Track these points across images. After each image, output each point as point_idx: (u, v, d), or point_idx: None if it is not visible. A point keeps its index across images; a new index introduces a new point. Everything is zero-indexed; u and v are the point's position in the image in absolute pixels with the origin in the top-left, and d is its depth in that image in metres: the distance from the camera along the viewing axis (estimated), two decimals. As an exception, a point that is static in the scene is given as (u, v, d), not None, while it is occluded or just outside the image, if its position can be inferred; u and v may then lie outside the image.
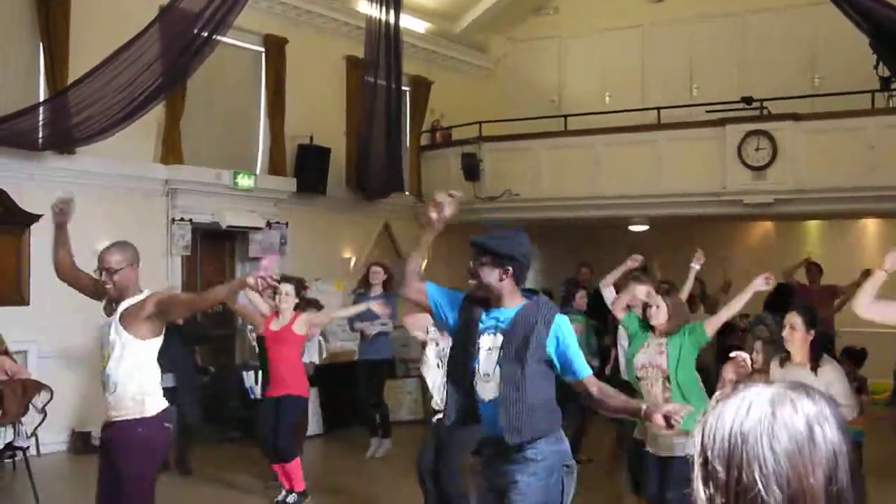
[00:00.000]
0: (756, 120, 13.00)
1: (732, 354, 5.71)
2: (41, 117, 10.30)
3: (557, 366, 4.39)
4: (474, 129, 14.98)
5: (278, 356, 8.19)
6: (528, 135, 14.77)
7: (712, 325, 6.19)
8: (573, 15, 17.05)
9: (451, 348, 4.66)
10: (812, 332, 5.96)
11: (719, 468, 1.30)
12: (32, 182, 10.58)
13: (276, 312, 8.27)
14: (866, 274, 10.96)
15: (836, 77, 13.74)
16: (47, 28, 10.59)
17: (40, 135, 10.30)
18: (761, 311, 8.65)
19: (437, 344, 6.82)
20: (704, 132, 13.30)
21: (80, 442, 10.69)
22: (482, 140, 14.85)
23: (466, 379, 4.44)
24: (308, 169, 13.54)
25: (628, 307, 6.66)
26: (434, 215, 4.52)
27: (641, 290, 6.63)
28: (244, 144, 13.46)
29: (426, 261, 5.08)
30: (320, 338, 10.29)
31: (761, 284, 6.22)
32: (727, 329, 10.46)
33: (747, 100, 13.15)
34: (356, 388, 10.89)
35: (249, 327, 11.27)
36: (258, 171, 13.23)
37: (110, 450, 5.30)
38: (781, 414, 1.29)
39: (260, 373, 11.57)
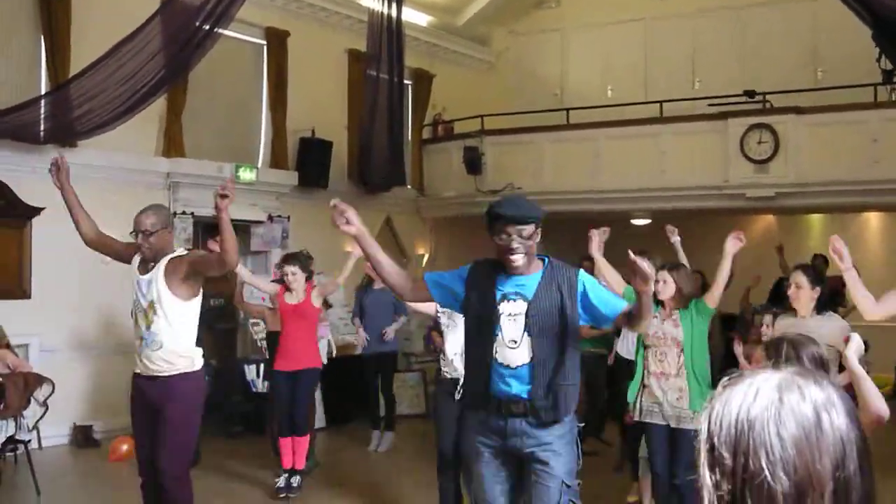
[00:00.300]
0: (758, 113, 12.98)
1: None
2: (43, 110, 10.30)
3: (591, 319, 4.41)
4: (476, 122, 14.98)
5: (297, 330, 8.33)
6: (531, 128, 14.76)
7: (712, 297, 6.23)
8: (575, 8, 17.05)
9: (468, 319, 4.55)
10: (818, 288, 6.01)
11: (726, 454, 1.29)
12: (34, 175, 10.55)
13: (285, 287, 8.40)
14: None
15: (838, 70, 13.72)
16: (49, 21, 10.59)
17: (42, 128, 10.30)
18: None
19: (444, 314, 6.64)
20: (706, 126, 13.28)
21: (81, 435, 10.71)
22: (484, 133, 14.85)
23: (487, 348, 4.36)
24: (310, 162, 13.54)
25: (627, 282, 6.69)
26: (343, 226, 4.44)
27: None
28: (246, 138, 13.46)
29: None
30: (329, 338, 10.32)
31: (734, 246, 6.20)
32: (733, 323, 10.49)
33: (750, 93, 13.13)
34: (362, 381, 10.90)
35: (252, 321, 11.31)
36: (260, 165, 13.23)
37: (157, 402, 5.57)
38: (789, 400, 1.28)
39: (262, 366, 11.67)
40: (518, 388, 4.32)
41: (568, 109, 14.87)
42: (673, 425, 6.16)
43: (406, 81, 14.98)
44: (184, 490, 5.71)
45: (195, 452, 9.49)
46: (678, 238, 7.70)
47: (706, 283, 10.50)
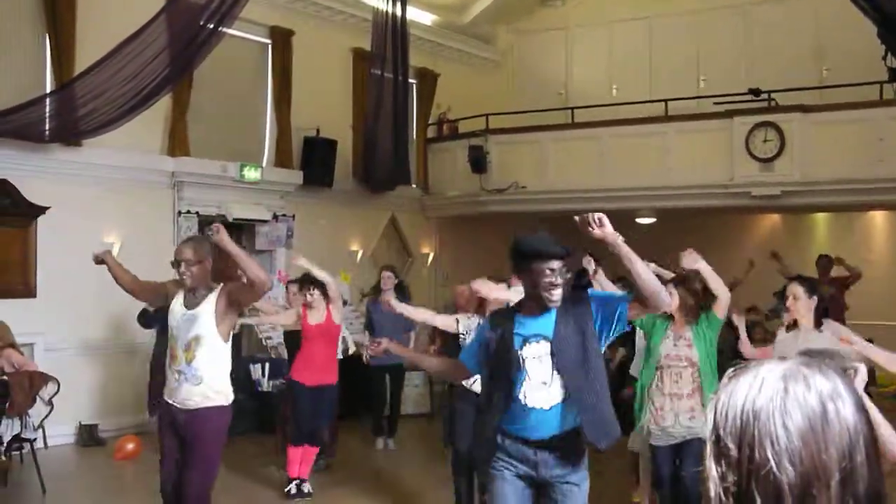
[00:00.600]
0: (764, 111, 12.95)
1: None
2: (47, 109, 10.31)
3: (617, 329, 4.44)
4: (481, 121, 14.97)
5: (320, 347, 8.55)
6: (535, 127, 14.74)
7: (719, 308, 6.27)
8: (580, 7, 17.03)
9: (488, 368, 4.58)
10: (814, 298, 6.07)
11: (731, 445, 1.28)
12: (39, 174, 10.60)
13: (305, 305, 8.60)
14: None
15: (844, 68, 13.68)
16: (53, 20, 10.60)
17: (47, 127, 10.31)
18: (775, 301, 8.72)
19: (466, 333, 6.85)
20: (712, 124, 13.25)
21: (86, 434, 10.72)
22: (489, 132, 14.85)
23: (509, 392, 4.39)
24: (314, 161, 13.53)
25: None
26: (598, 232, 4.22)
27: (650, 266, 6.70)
28: (250, 137, 13.46)
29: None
30: (346, 334, 10.37)
31: (690, 261, 6.25)
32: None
33: (755, 91, 13.09)
34: (369, 386, 10.93)
35: (255, 321, 11.30)
36: (264, 164, 13.23)
37: (187, 431, 5.70)
38: (794, 391, 1.27)
39: (268, 364, 11.68)
40: (551, 425, 4.38)
41: (573, 108, 14.86)
42: (679, 441, 6.21)
43: (410, 80, 14.97)
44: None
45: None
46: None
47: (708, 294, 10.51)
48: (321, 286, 8.54)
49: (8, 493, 8.35)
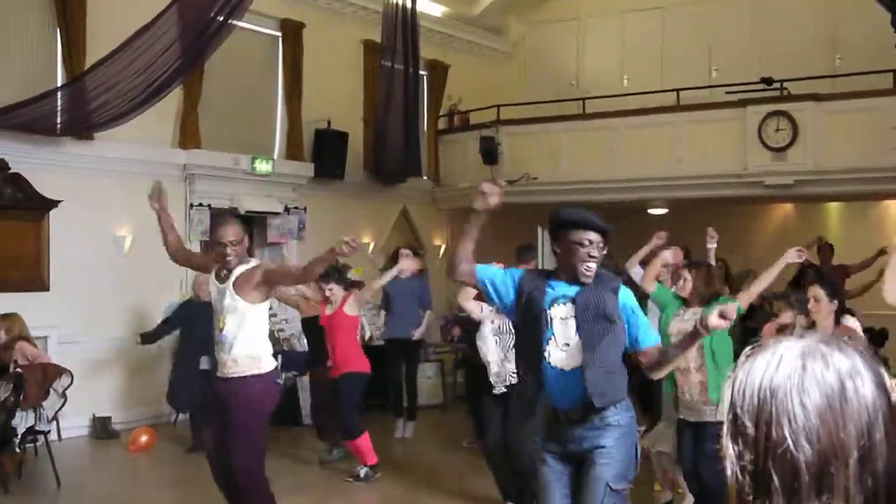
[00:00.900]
0: (776, 101, 12.88)
1: None
2: (59, 103, 10.33)
3: (628, 334, 4.52)
4: (492, 112, 14.93)
5: (335, 339, 8.71)
6: (547, 118, 14.71)
7: (745, 298, 6.43)
8: (591, -3, 16.98)
9: (519, 322, 4.66)
10: (835, 302, 6.23)
11: (748, 424, 1.26)
12: (51, 168, 10.62)
13: (326, 299, 8.79)
14: (881, 253, 10.94)
15: (856, 57, 13.60)
16: (64, 13, 10.61)
17: (58, 120, 10.34)
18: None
19: (493, 321, 6.97)
20: (724, 113, 13.19)
21: (100, 426, 10.75)
22: (500, 124, 14.81)
23: (538, 350, 4.47)
24: (325, 154, 13.53)
25: (657, 280, 6.79)
26: (480, 205, 4.51)
27: (667, 253, 6.77)
28: (261, 129, 13.46)
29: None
30: (364, 322, 10.45)
31: (794, 257, 6.46)
32: (750, 313, 10.42)
33: (767, 80, 13.02)
34: (381, 370, 10.93)
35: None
36: (276, 156, 13.24)
37: (225, 402, 5.99)
38: (812, 368, 1.26)
39: (280, 356, 11.68)
40: (573, 395, 4.45)
41: (584, 99, 14.80)
42: (692, 420, 6.25)
43: (421, 72, 14.96)
44: (258, 487, 6.09)
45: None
46: (714, 246, 7.69)
47: (728, 272, 10.50)
48: (342, 282, 8.76)
49: (22, 485, 8.37)
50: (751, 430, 1.26)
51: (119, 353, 11.21)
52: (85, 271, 10.76)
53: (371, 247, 14.46)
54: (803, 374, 1.25)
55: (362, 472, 8.66)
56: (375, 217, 14.71)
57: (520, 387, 4.91)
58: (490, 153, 14.48)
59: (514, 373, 6.24)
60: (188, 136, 11.95)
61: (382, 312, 10.84)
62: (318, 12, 13.89)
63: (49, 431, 8.59)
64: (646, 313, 8.23)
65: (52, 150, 10.59)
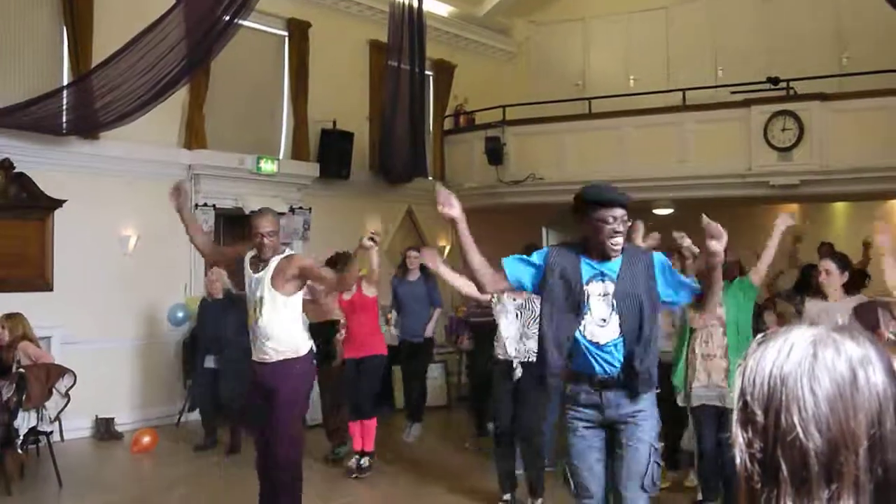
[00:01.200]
0: (782, 100, 12.84)
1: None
2: (64, 102, 10.32)
3: (671, 295, 4.67)
4: (498, 112, 14.92)
5: (358, 322, 8.96)
6: (552, 118, 14.67)
7: (757, 275, 6.61)
8: (596, -3, 16.96)
9: (551, 300, 4.70)
10: (846, 273, 6.48)
11: (758, 411, 1.25)
12: (56, 167, 10.61)
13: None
14: (866, 244, 10.95)
15: (863, 56, 13.56)
16: (70, 11, 10.61)
17: (64, 119, 10.34)
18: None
19: (515, 299, 7.12)
20: (730, 113, 13.16)
21: (103, 427, 10.73)
22: (506, 124, 14.78)
23: (572, 325, 4.59)
24: (331, 154, 13.52)
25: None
26: (444, 215, 4.62)
27: (687, 241, 6.81)
28: (267, 129, 13.45)
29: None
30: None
31: (786, 221, 6.62)
32: (761, 310, 10.39)
33: (773, 80, 12.99)
34: (387, 372, 10.91)
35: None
36: (281, 156, 13.23)
37: (269, 384, 6.26)
38: (823, 356, 1.24)
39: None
40: (611, 364, 4.62)
41: (590, 99, 14.78)
42: (719, 404, 6.39)
43: (427, 72, 14.94)
44: (295, 473, 6.33)
45: (236, 447, 9.64)
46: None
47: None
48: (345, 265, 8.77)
49: (24, 486, 8.35)
50: (760, 417, 1.24)
51: (122, 354, 11.20)
52: (89, 271, 10.75)
53: (376, 247, 14.39)
54: (814, 362, 1.24)
55: (364, 462, 8.80)
56: (381, 217, 14.67)
57: (538, 367, 4.97)
58: (496, 153, 14.46)
59: (533, 351, 6.23)
60: (193, 135, 11.93)
61: (393, 313, 10.80)
62: (324, 12, 13.87)
63: (52, 432, 8.56)
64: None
65: (57, 150, 10.58)
